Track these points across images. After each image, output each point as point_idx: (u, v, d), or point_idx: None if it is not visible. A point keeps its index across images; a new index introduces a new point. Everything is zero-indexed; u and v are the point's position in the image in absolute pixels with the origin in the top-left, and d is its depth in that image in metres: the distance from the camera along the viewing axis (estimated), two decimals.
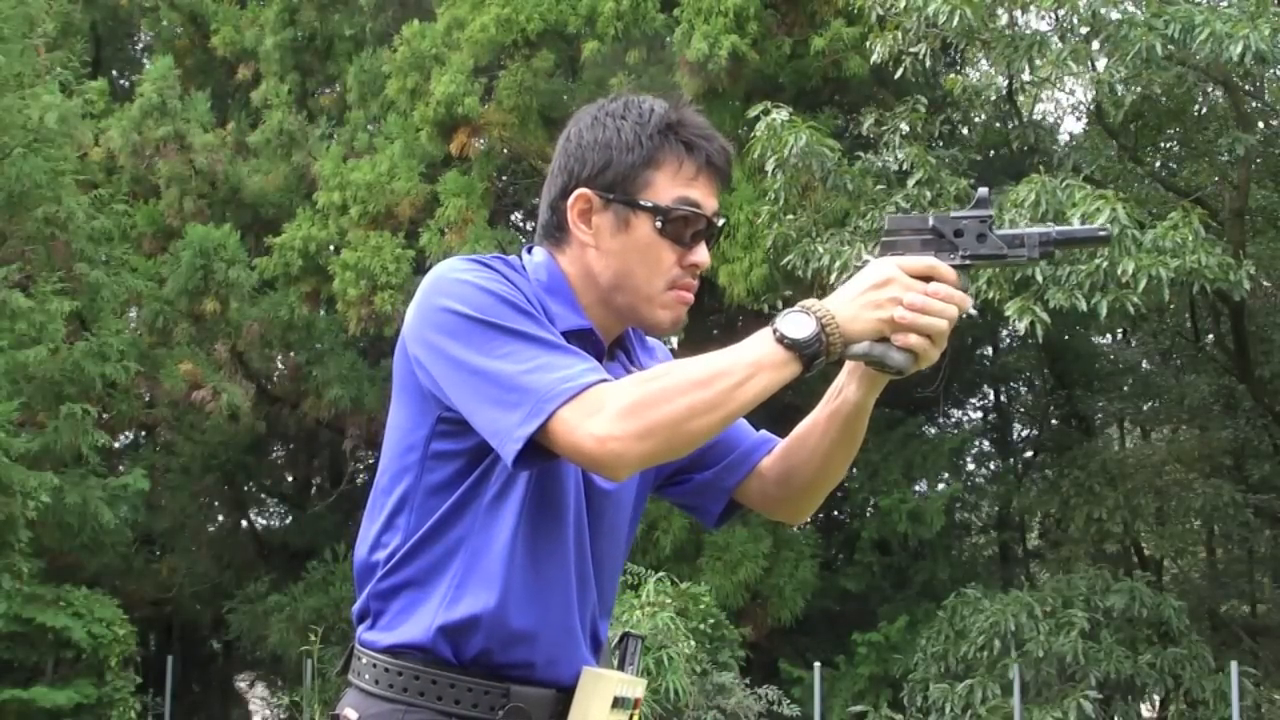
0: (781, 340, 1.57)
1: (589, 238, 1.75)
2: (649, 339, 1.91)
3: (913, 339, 1.62)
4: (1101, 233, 1.75)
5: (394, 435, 1.74)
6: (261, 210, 15.26)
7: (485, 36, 13.02)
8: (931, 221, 1.68)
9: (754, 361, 1.57)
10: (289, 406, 15.55)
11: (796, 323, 1.58)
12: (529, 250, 1.82)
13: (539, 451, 1.58)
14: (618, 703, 1.70)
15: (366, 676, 1.71)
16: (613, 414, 1.54)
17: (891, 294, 1.61)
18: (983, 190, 1.74)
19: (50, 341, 11.80)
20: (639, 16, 12.59)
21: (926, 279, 1.63)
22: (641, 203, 1.73)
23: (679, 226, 1.73)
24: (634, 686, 1.74)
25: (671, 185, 1.73)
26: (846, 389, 1.78)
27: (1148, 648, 11.84)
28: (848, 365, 1.75)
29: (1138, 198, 10.81)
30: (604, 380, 1.58)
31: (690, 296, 1.77)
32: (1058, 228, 1.73)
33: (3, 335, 11.45)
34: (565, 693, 1.70)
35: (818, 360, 1.59)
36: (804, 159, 10.26)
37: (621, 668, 1.79)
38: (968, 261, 1.68)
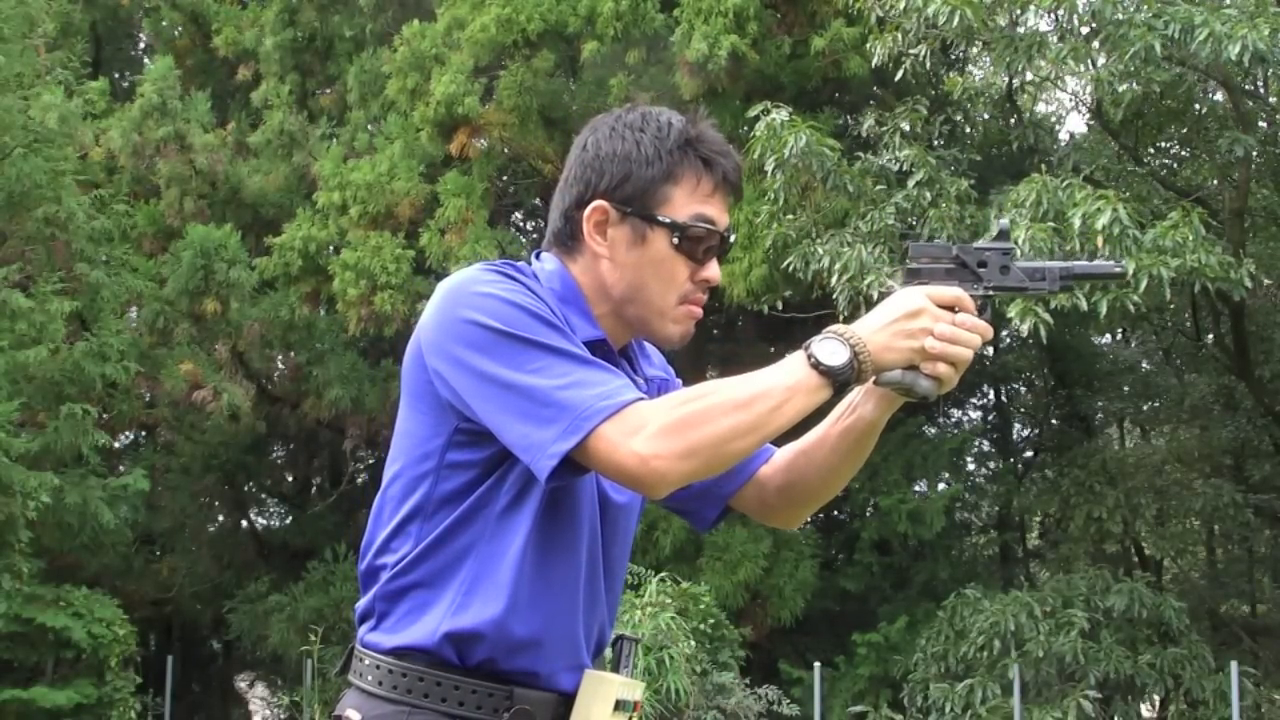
0: (817, 366, 1.60)
1: (604, 249, 1.75)
2: (648, 347, 1.92)
3: (941, 368, 1.66)
4: (1117, 269, 1.81)
5: (405, 443, 1.73)
6: (262, 210, 15.27)
7: (485, 37, 13.02)
8: (955, 251, 1.73)
9: (791, 386, 1.60)
10: (289, 406, 15.55)
11: (831, 350, 1.61)
12: (538, 256, 1.82)
13: (572, 467, 1.59)
14: (619, 705, 1.71)
15: (369, 678, 1.71)
16: (655, 432, 1.55)
17: (923, 324, 1.65)
18: (1003, 222, 1.79)
19: (50, 341, 11.80)
20: (639, 17, 12.58)
21: (952, 309, 1.67)
22: (660, 218, 1.74)
23: (694, 243, 1.75)
24: (634, 689, 1.75)
25: (689, 201, 1.75)
26: (862, 408, 1.80)
27: (1148, 648, 11.84)
28: (866, 385, 1.77)
29: (1138, 197, 10.80)
30: (641, 398, 1.59)
31: (700, 311, 1.79)
32: (1078, 263, 1.79)
33: (3, 335, 11.45)
34: (567, 697, 1.71)
35: (849, 386, 1.63)
36: (804, 159, 10.26)
37: (616, 670, 1.79)
38: (991, 292, 1.73)
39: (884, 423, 1.80)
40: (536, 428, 1.57)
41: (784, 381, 1.60)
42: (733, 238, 1.81)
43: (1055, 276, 1.73)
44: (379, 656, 1.70)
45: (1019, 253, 1.79)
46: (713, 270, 1.77)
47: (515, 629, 1.67)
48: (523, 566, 1.67)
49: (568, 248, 1.79)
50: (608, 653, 1.84)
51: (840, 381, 1.61)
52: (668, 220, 1.73)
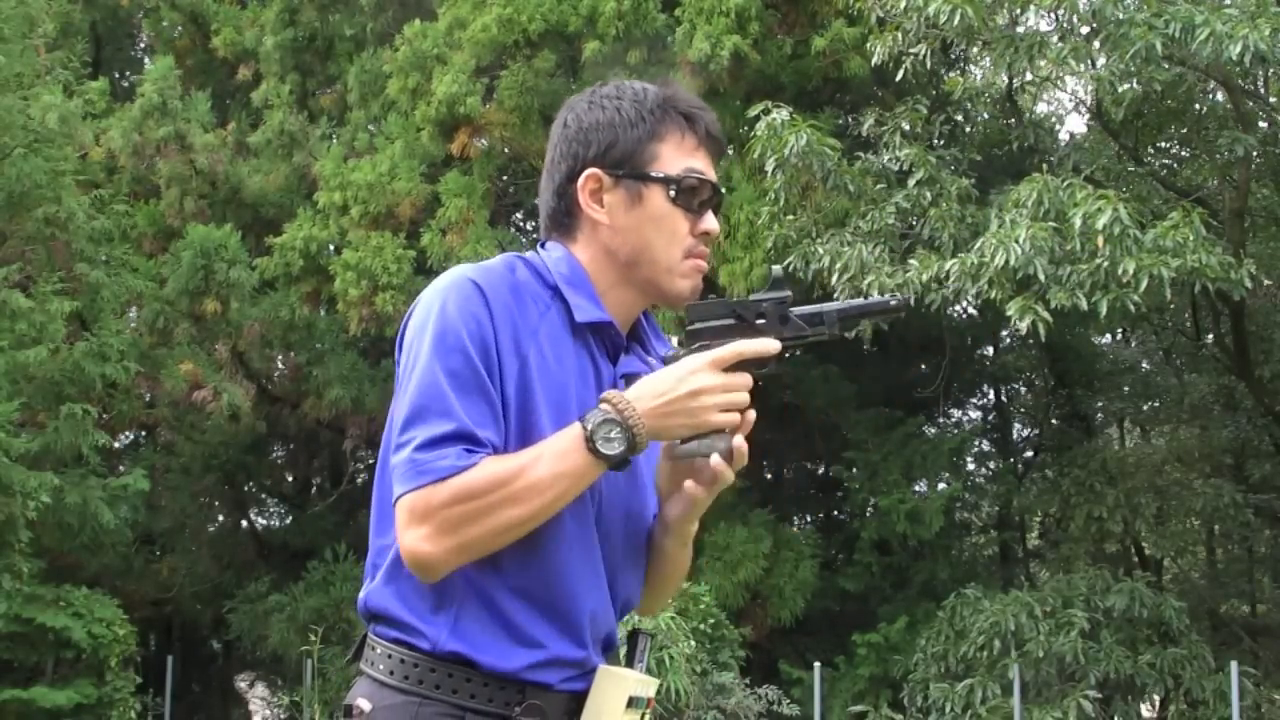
0: (595, 453, 1.62)
1: (603, 216, 1.77)
2: (659, 326, 1.92)
3: (733, 437, 1.68)
4: (892, 303, 1.79)
5: (388, 435, 1.72)
6: (262, 210, 15.26)
7: (486, 36, 13.02)
8: (732, 307, 1.73)
9: (564, 472, 1.62)
10: (289, 406, 15.55)
11: (609, 436, 1.62)
12: (543, 246, 1.82)
13: None
14: (632, 702, 1.70)
15: (381, 666, 1.70)
16: (435, 527, 1.59)
17: (705, 402, 1.66)
18: (776, 269, 1.79)
19: (50, 341, 11.79)
20: (640, 16, 12.58)
21: (739, 363, 1.67)
22: (652, 174, 1.76)
23: (689, 194, 1.78)
24: (648, 686, 1.74)
25: (677, 156, 1.78)
26: (664, 508, 1.81)
27: (1148, 648, 11.84)
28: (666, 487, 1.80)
29: (1138, 197, 10.81)
30: (452, 472, 1.59)
31: (705, 265, 1.81)
32: (853, 302, 1.80)
33: (3, 335, 11.45)
34: (579, 694, 1.70)
35: (625, 465, 1.66)
36: (804, 159, 10.26)
37: (630, 664, 1.78)
38: None
39: (686, 530, 1.81)
40: (397, 451, 1.63)
41: (557, 469, 1.61)
42: (724, 190, 1.84)
43: (834, 319, 1.74)
44: (390, 646, 1.69)
45: (794, 298, 1.78)
46: (711, 222, 1.79)
47: (515, 658, 1.65)
48: (522, 588, 1.66)
49: (565, 227, 1.80)
50: (622, 648, 1.82)
51: (614, 464, 1.64)
52: (660, 175, 1.76)
